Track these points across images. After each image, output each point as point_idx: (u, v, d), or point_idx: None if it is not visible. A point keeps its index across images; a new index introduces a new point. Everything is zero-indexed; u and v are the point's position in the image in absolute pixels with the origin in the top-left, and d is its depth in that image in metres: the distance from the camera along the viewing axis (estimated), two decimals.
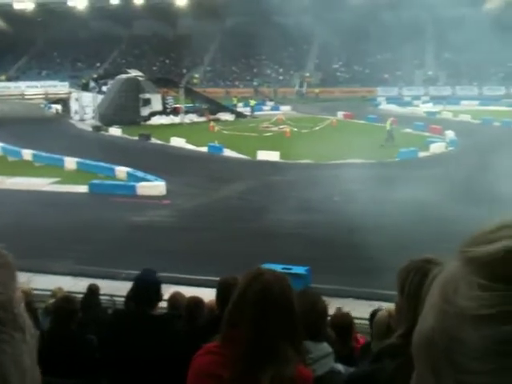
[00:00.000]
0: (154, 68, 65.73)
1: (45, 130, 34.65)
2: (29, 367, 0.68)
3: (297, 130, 33.27)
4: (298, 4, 57.40)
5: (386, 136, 28.18)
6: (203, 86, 59.61)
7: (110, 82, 43.31)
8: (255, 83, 61.92)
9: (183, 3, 65.89)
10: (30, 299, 6.99)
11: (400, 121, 31.21)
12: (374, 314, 4.82)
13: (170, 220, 17.02)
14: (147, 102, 39.88)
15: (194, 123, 39.14)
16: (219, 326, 1.97)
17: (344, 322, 4.65)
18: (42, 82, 54.62)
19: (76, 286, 10.66)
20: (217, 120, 39.10)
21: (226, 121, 40.04)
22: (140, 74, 43.44)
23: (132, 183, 20.64)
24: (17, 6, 67.41)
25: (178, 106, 41.14)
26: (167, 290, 5.82)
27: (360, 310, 8.21)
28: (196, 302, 4.81)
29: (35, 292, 8.81)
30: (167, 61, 69.02)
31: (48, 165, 24.98)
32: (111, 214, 17.32)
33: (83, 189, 20.35)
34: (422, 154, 26.37)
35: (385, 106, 47.57)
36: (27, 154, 26.70)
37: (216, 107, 42.87)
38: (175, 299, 5.58)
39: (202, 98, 44.79)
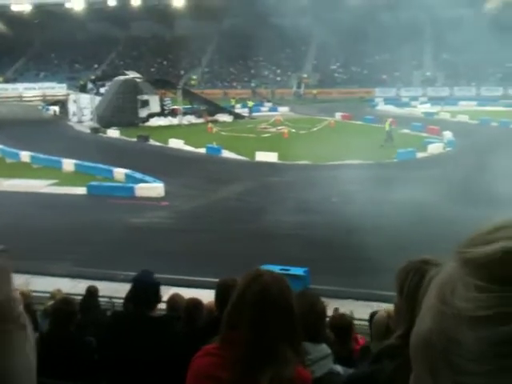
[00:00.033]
0: (152, 69, 65.72)
1: (43, 131, 34.63)
2: (34, 364, 0.68)
3: (295, 131, 33.28)
4: (296, 5, 57.36)
5: (385, 137, 28.20)
6: (201, 87, 59.65)
7: (108, 83, 43.20)
8: (253, 84, 61.91)
9: (181, 5, 65.86)
10: (28, 301, 6.98)
11: (398, 121, 31.22)
12: (373, 315, 4.82)
13: (169, 221, 17.01)
14: (145, 103, 39.83)
15: (192, 124, 39.13)
16: (218, 327, 1.97)
17: (343, 323, 4.65)
18: (40, 84, 54.46)
19: (75, 287, 10.65)
20: (215, 121, 39.09)
21: (224, 122, 40.01)
22: (138, 75, 43.37)
23: (130, 185, 20.64)
24: (14, 7, 67.34)
25: (176, 107, 41.13)
26: (166, 292, 5.82)
27: (359, 311, 8.23)
28: (195, 303, 4.80)
29: (34, 294, 8.80)
30: (165, 62, 68.98)
31: (46, 167, 24.98)
32: (109, 215, 17.31)
33: (81, 190, 20.34)
34: (419, 155, 26.38)
35: (383, 107, 47.49)
36: (25, 155, 26.69)
37: (214, 108, 42.84)
38: (174, 301, 5.58)
39: (199, 100, 44.78)
